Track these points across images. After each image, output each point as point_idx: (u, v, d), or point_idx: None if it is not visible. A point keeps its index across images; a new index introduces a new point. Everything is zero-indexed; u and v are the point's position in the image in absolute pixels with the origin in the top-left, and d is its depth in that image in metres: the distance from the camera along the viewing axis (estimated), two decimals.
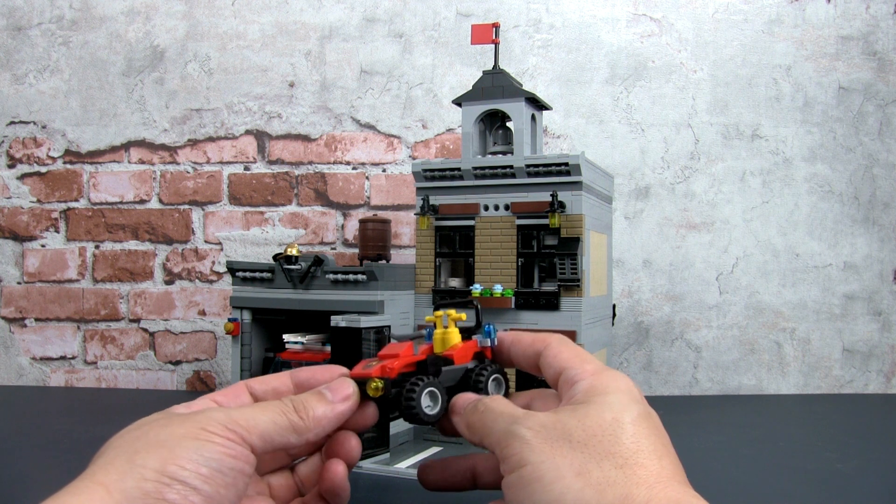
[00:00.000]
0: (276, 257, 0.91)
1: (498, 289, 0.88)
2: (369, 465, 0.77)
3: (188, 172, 1.39)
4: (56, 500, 0.36)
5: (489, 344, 0.54)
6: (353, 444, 0.47)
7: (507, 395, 0.53)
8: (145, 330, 1.38)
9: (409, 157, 1.36)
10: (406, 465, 0.78)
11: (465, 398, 0.48)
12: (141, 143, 1.39)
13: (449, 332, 0.54)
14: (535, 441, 0.39)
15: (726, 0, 1.34)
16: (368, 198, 1.36)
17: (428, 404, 0.48)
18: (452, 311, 0.54)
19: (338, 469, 0.47)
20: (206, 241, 1.38)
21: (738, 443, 0.93)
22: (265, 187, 1.37)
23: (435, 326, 0.54)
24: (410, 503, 0.69)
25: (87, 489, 0.36)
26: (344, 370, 0.50)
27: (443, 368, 0.50)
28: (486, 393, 0.51)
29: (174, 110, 1.39)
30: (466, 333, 0.54)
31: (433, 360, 0.51)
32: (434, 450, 0.86)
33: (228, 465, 0.40)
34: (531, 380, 0.85)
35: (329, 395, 0.47)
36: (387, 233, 1.06)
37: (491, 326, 0.55)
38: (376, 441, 0.81)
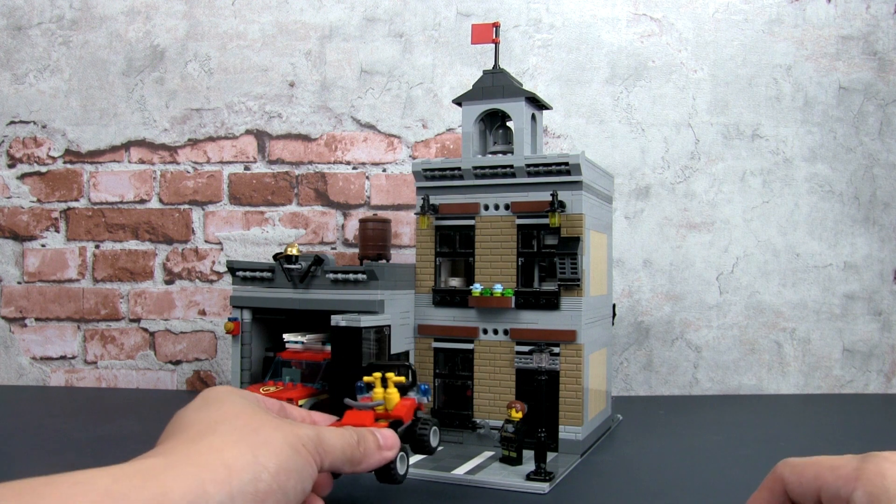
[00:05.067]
0: (276, 257, 0.91)
1: (498, 288, 0.87)
2: None
3: (188, 172, 1.39)
4: (173, 457, 0.39)
5: (426, 401, 0.67)
6: None
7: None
8: (145, 330, 1.38)
9: (410, 156, 1.36)
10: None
11: None
12: (141, 143, 1.39)
13: (390, 394, 0.63)
14: None
15: (726, 0, 1.34)
16: (368, 197, 1.36)
17: (401, 466, 0.58)
18: (392, 374, 0.64)
19: None
20: (206, 241, 1.38)
21: (738, 443, 0.93)
22: (265, 187, 1.37)
23: (372, 386, 0.64)
24: (410, 503, 0.69)
25: (211, 464, 0.39)
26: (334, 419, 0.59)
27: (397, 430, 0.60)
28: (430, 444, 0.64)
29: (174, 110, 1.39)
30: (402, 390, 0.64)
31: (391, 424, 0.60)
32: None
33: (309, 486, 0.45)
34: (529, 380, 0.85)
35: (382, 440, 0.54)
36: (387, 232, 1.06)
37: (426, 385, 0.67)
38: None
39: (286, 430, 0.44)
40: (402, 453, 0.58)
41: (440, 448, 0.76)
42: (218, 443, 0.41)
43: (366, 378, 0.65)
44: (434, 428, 0.65)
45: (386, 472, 0.57)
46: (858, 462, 0.37)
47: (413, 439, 0.64)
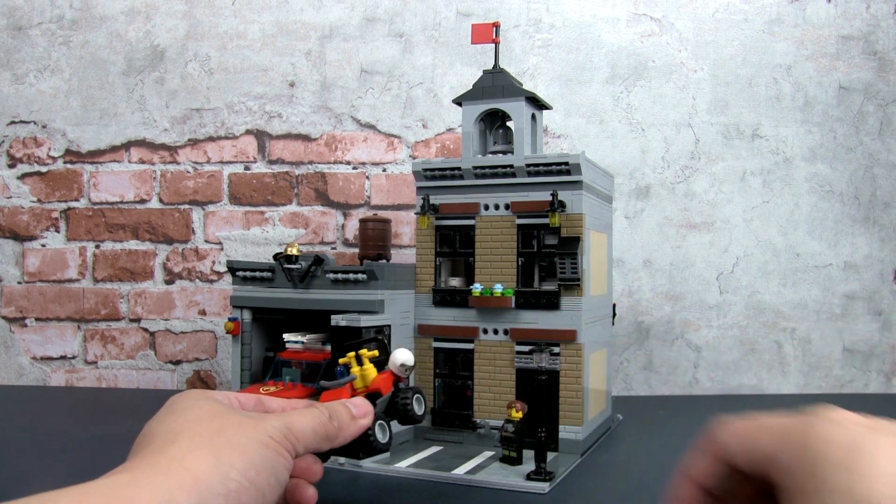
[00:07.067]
0: (276, 257, 0.91)
1: (498, 288, 0.87)
2: (369, 465, 0.77)
3: (188, 172, 1.39)
4: (137, 471, 0.39)
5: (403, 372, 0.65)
6: (310, 493, 0.50)
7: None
8: (145, 330, 1.38)
9: (410, 156, 1.36)
10: (406, 465, 0.78)
11: None
12: (141, 143, 1.39)
13: (366, 369, 0.62)
14: None
15: (726, 0, 1.34)
16: (369, 197, 1.36)
17: (381, 434, 0.58)
18: (365, 350, 0.63)
19: (307, 492, 0.50)
20: (206, 241, 1.38)
21: None
22: (265, 187, 1.37)
23: (349, 367, 0.63)
24: (410, 503, 0.69)
25: (175, 473, 0.39)
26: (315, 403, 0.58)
27: (377, 402, 0.60)
28: (415, 412, 0.63)
29: (174, 110, 1.39)
30: (378, 365, 0.64)
31: (370, 397, 0.60)
32: (434, 449, 0.86)
33: (285, 477, 0.45)
34: (529, 380, 0.85)
35: (354, 409, 0.54)
36: (387, 232, 1.06)
37: None
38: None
39: (250, 426, 0.44)
40: (380, 422, 0.58)
41: (440, 448, 0.76)
42: (180, 451, 0.41)
43: (341, 360, 0.64)
44: (416, 395, 0.64)
45: (366, 444, 0.56)
46: (802, 425, 0.33)
47: (396, 411, 0.63)
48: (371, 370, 0.62)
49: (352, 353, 0.63)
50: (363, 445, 0.56)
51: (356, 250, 1.33)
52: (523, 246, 0.89)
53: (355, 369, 0.62)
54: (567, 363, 0.85)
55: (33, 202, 1.41)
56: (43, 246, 1.40)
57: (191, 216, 1.38)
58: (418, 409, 0.64)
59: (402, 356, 0.64)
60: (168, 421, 0.44)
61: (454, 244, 0.93)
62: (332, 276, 0.88)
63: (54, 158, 1.41)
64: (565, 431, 0.85)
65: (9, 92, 1.42)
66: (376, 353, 0.64)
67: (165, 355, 1.37)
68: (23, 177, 1.41)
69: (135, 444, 0.44)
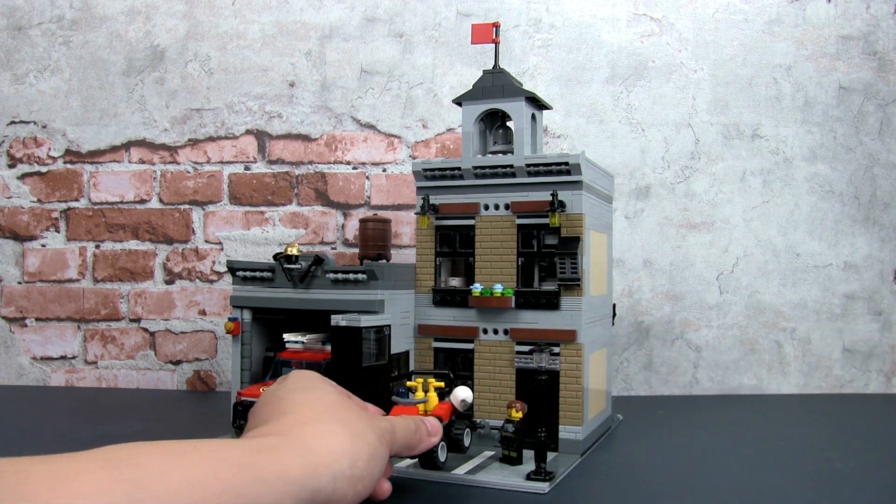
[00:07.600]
0: (276, 257, 0.91)
1: (498, 288, 0.87)
2: None
3: (188, 172, 1.39)
4: (283, 438, 0.45)
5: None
6: (387, 487, 0.57)
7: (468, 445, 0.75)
8: (145, 330, 1.38)
9: (410, 156, 1.36)
10: (406, 465, 0.78)
11: None
12: (141, 143, 1.39)
13: (431, 396, 0.73)
14: None
15: (726, 0, 1.34)
16: (369, 197, 1.36)
17: (441, 454, 0.69)
18: (433, 380, 0.75)
19: (385, 485, 0.56)
20: (206, 241, 1.38)
21: (738, 443, 0.93)
22: (265, 187, 1.37)
23: (414, 390, 0.73)
24: (410, 503, 0.69)
25: (319, 449, 0.45)
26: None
27: None
28: (463, 444, 0.73)
29: (174, 110, 1.39)
30: (440, 395, 0.74)
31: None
32: None
33: (383, 471, 0.51)
34: (529, 380, 0.85)
35: (429, 427, 0.63)
36: (387, 232, 1.06)
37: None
38: None
39: (371, 423, 0.51)
40: (443, 443, 0.67)
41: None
42: (324, 430, 0.47)
43: (409, 383, 0.75)
44: (467, 429, 0.74)
45: (429, 459, 0.66)
46: None
47: (448, 438, 0.71)
48: (435, 398, 0.73)
49: (420, 379, 0.74)
50: (426, 460, 0.67)
51: (356, 250, 1.33)
52: (523, 246, 0.89)
53: (420, 394, 0.72)
54: (567, 363, 0.85)
55: (33, 202, 1.41)
56: (43, 246, 1.40)
57: (191, 216, 1.38)
58: (466, 441, 0.74)
59: (463, 393, 0.74)
60: (307, 395, 0.51)
61: (454, 244, 0.93)
62: (332, 276, 0.88)
63: (54, 158, 1.41)
64: (565, 431, 0.85)
65: (9, 92, 1.42)
66: (442, 384, 0.75)
67: (165, 355, 1.37)
68: (23, 177, 1.41)
69: (263, 408, 0.51)
